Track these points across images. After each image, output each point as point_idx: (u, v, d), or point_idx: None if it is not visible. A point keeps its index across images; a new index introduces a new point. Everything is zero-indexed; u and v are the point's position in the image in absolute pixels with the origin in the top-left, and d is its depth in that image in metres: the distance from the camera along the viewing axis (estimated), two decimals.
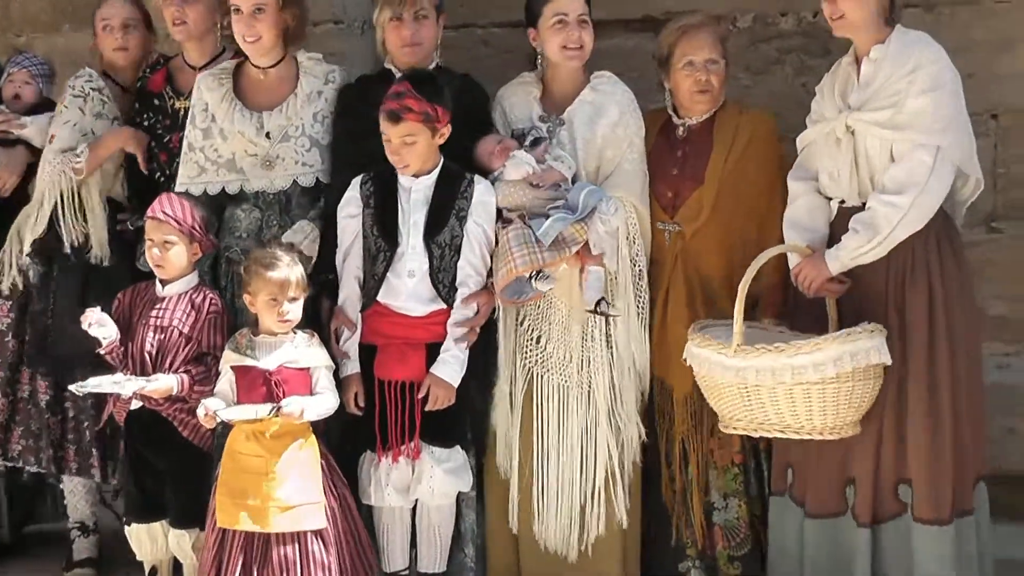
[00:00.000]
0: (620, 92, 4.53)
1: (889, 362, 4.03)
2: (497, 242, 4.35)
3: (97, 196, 4.82)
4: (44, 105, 4.94)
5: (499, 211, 4.37)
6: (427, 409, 4.29)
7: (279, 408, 4.11)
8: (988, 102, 5.04)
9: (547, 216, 4.25)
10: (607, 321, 4.39)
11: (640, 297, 4.49)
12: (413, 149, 4.27)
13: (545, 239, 4.21)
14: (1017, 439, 5.07)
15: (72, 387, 4.25)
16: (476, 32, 5.42)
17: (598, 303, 4.32)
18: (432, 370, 4.31)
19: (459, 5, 5.16)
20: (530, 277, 4.28)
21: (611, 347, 4.44)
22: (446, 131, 4.32)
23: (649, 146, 4.56)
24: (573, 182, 4.38)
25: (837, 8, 4.13)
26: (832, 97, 4.26)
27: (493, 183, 4.39)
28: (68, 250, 4.79)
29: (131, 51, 5.00)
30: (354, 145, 4.50)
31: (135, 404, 4.34)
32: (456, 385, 4.32)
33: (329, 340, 4.37)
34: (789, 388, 3.98)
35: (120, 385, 4.21)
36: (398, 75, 4.50)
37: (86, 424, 4.79)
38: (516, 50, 5.26)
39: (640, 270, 4.48)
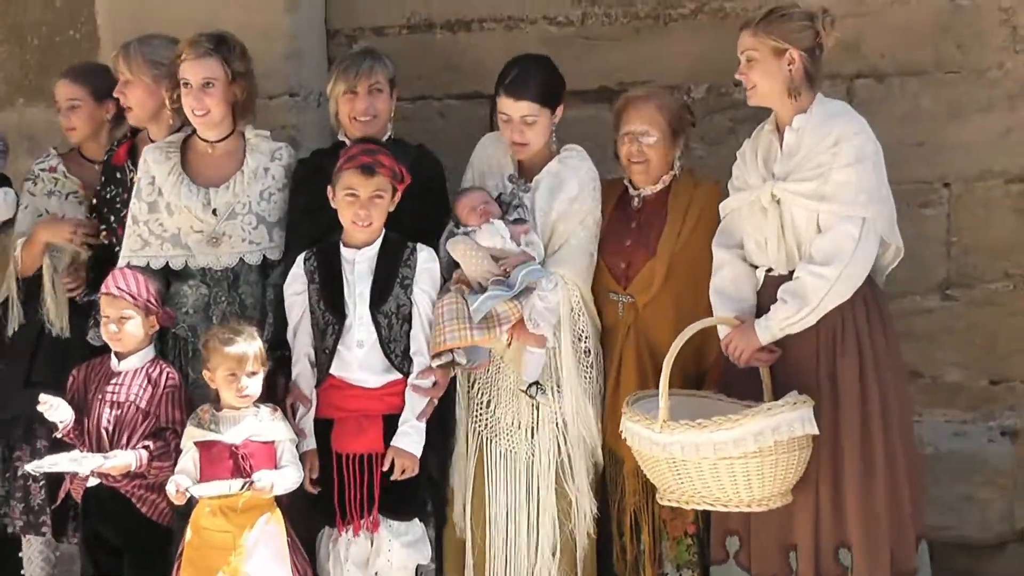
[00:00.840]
0: (585, 169, 4.55)
1: (816, 432, 4.05)
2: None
3: (50, 276, 4.83)
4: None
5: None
6: (392, 479, 4.27)
7: (251, 483, 4.08)
8: (939, 171, 5.09)
9: (484, 289, 4.27)
10: (552, 395, 4.40)
11: (587, 372, 4.48)
12: (379, 205, 4.29)
13: (476, 315, 4.23)
14: (975, 506, 5.06)
15: (28, 467, 4.21)
16: (433, 104, 5.43)
17: (531, 385, 4.36)
18: (394, 442, 4.30)
19: (416, 77, 5.19)
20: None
21: (558, 419, 4.44)
22: (397, 198, 4.33)
23: (606, 215, 4.58)
24: None
25: (748, 79, 4.21)
26: (755, 164, 4.30)
27: (452, 235, 4.40)
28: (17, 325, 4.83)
29: (79, 129, 5.02)
30: (310, 220, 4.50)
31: (92, 481, 4.28)
32: (419, 455, 4.30)
33: (286, 416, 4.34)
34: (713, 463, 4.00)
35: (77, 463, 4.17)
36: None
37: (41, 483, 4.72)
38: (473, 121, 5.31)
39: (587, 347, 4.48)
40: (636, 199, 4.59)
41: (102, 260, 4.76)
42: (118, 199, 4.82)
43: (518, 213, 4.47)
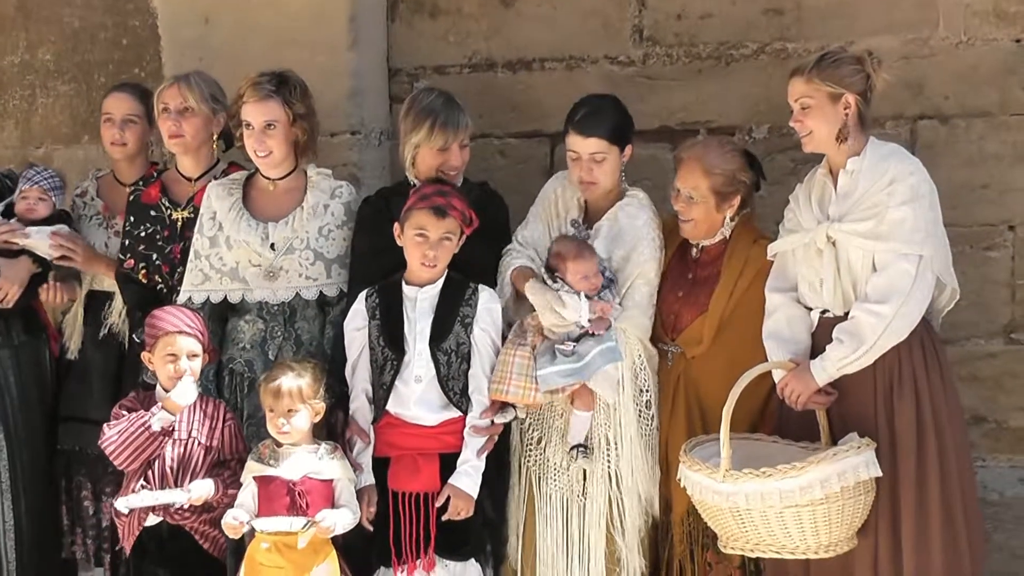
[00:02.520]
0: (643, 220, 4.49)
1: (879, 474, 4.01)
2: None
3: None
4: (55, 216, 4.96)
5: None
6: (444, 519, 4.25)
7: (313, 522, 4.07)
8: (1004, 213, 5.03)
9: (557, 345, 4.27)
10: (618, 452, 4.38)
11: (648, 426, 4.44)
12: (447, 247, 4.31)
13: (543, 384, 4.23)
14: None
15: (118, 504, 4.21)
16: (493, 142, 5.45)
17: (574, 447, 4.36)
18: (451, 481, 4.28)
19: (477, 116, 5.20)
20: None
21: (611, 472, 4.40)
22: (462, 240, 4.34)
23: (667, 257, 4.55)
24: None
25: (804, 126, 4.18)
26: (809, 207, 4.27)
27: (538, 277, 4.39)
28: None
29: (129, 146, 5.06)
30: (375, 262, 4.51)
31: (151, 520, 4.28)
32: (475, 496, 4.29)
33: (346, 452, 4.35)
34: (779, 511, 3.96)
35: (169, 496, 4.19)
36: None
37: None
38: (532, 160, 5.33)
39: (648, 400, 4.44)
40: (695, 249, 4.55)
41: (144, 298, 4.77)
42: (158, 237, 4.82)
43: (608, 276, 4.40)
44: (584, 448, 4.37)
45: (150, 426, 4.21)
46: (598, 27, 5.38)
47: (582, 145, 4.45)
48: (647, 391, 4.43)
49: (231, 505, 4.20)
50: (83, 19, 6.07)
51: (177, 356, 4.30)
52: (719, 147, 4.52)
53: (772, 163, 5.05)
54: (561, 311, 4.27)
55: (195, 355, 4.31)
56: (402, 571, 4.27)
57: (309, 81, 4.66)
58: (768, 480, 3.93)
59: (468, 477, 4.29)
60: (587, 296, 4.28)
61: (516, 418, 4.39)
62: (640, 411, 4.42)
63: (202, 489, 4.21)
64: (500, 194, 4.73)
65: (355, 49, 5.31)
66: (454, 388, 4.33)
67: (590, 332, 4.27)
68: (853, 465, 3.95)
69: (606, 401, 4.35)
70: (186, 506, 4.20)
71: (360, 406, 4.38)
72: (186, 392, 4.24)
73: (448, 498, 4.26)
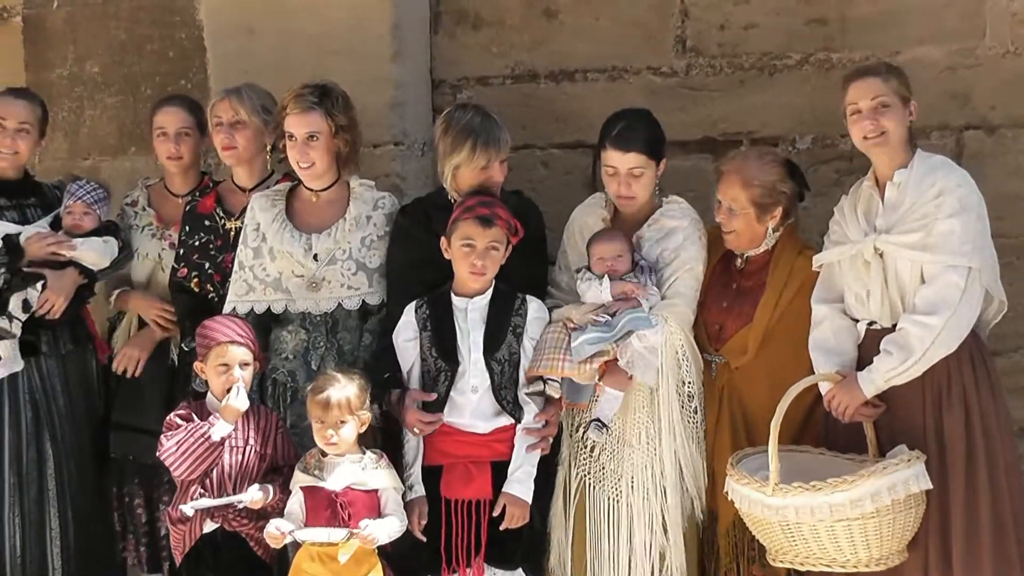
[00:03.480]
0: (688, 221, 4.51)
1: (930, 487, 3.98)
2: None
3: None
4: (102, 228, 5.01)
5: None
6: (503, 528, 4.27)
7: (352, 533, 4.08)
8: None
9: (592, 316, 4.29)
10: (659, 442, 4.36)
11: (691, 417, 4.43)
12: (494, 257, 4.32)
13: (576, 354, 4.24)
14: None
15: (184, 507, 4.24)
16: (536, 153, 5.45)
17: (592, 421, 4.35)
18: (506, 489, 4.30)
19: (520, 127, 5.21)
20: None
21: (655, 466, 4.39)
22: (508, 252, 4.35)
23: (710, 267, 4.54)
24: None
25: (880, 126, 4.15)
26: (855, 219, 4.25)
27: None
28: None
29: (184, 159, 5.11)
30: (414, 273, 4.52)
31: (208, 527, 4.30)
32: (530, 503, 4.30)
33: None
34: (830, 525, 3.94)
35: (233, 500, 4.22)
36: (457, 199, 4.51)
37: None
38: (575, 171, 5.32)
39: (690, 392, 4.42)
40: (739, 259, 4.54)
41: (195, 307, 4.80)
42: (211, 246, 4.87)
43: (643, 263, 4.43)
44: (600, 423, 4.35)
45: (210, 436, 4.24)
46: (641, 38, 5.37)
47: (620, 160, 4.44)
48: (690, 383, 4.41)
49: (282, 512, 4.22)
50: (129, 32, 6.12)
51: (229, 366, 4.33)
52: (758, 159, 4.50)
53: (816, 174, 5.02)
54: (584, 294, 4.33)
55: (247, 364, 4.34)
56: None
57: (352, 92, 4.67)
58: (818, 494, 3.91)
59: (521, 484, 4.31)
60: (609, 277, 4.32)
61: (551, 397, 4.36)
62: (683, 403, 4.40)
63: (259, 493, 4.23)
64: (534, 202, 4.72)
65: (398, 60, 5.32)
66: (507, 397, 4.35)
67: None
68: (904, 478, 3.92)
69: (646, 390, 4.34)
70: (247, 504, 4.22)
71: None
72: (241, 401, 4.27)
73: (504, 506, 4.27)
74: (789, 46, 5.21)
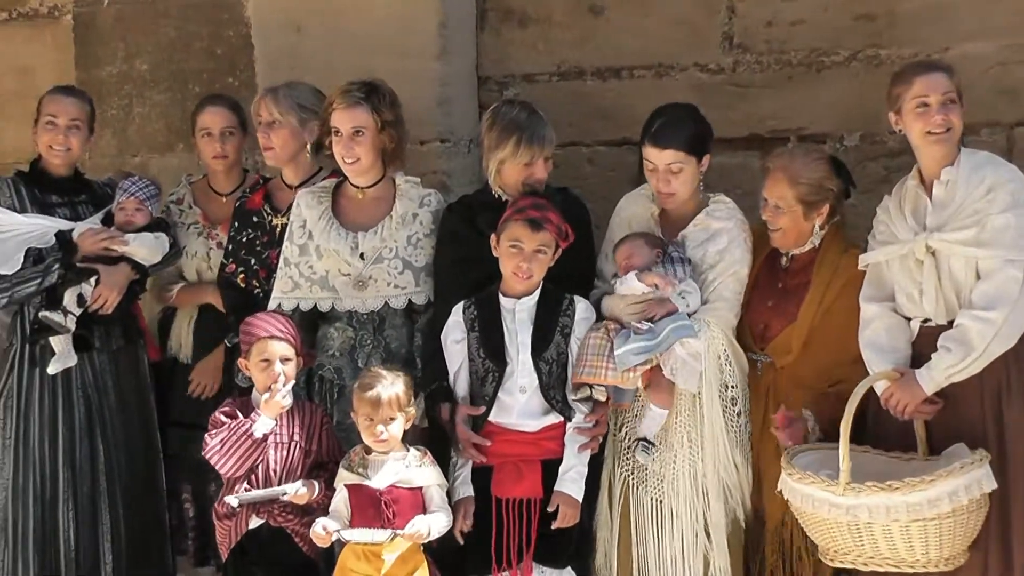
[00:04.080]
0: (734, 223, 4.49)
1: (995, 487, 3.95)
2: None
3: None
4: (154, 224, 5.06)
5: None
6: (555, 527, 4.26)
7: (397, 534, 4.09)
8: None
9: (633, 323, 4.28)
10: (701, 446, 4.36)
11: (734, 422, 4.40)
12: (541, 260, 4.32)
13: (619, 363, 4.23)
14: None
15: (230, 499, 4.27)
16: (582, 150, 5.45)
17: (639, 440, 4.35)
18: (559, 488, 4.30)
19: (566, 124, 5.21)
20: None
21: (697, 471, 4.37)
22: (558, 255, 4.35)
23: (755, 267, 4.51)
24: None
25: (948, 121, 4.12)
26: (902, 218, 4.22)
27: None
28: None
29: (229, 158, 5.17)
30: (461, 272, 4.52)
31: (254, 522, 4.34)
32: (581, 501, 4.31)
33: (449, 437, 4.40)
34: (904, 525, 3.91)
35: (278, 492, 4.25)
36: (503, 197, 4.53)
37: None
38: (620, 168, 5.31)
39: (733, 396, 4.40)
40: (784, 258, 4.51)
41: (241, 303, 4.83)
42: (258, 242, 4.91)
43: (676, 253, 4.43)
44: (647, 443, 4.35)
45: (252, 433, 4.27)
46: (687, 34, 5.36)
47: (658, 157, 4.43)
48: (733, 387, 4.39)
49: (327, 508, 4.24)
50: (178, 29, 6.15)
51: (271, 361, 4.35)
52: (805, 156, 4.48)
53: (863, 171, 4.99)
54: (618, 290, 4.35)
55: (288, 359, 4.36)
56: None
57: (398, 89, 4.68)
58: (895, 493, 3.88)
59: (574, 483, 4.31)
60: (638, 270, 4.33)
61: (597, 401, 4.35)
62: (725, 407, 4.38)
63: (304, 487, 4.26)
64: (581, 199, 4.72)
65: (444, 57, 5.34)
66: (556, 396, 4.34)
67: (656, 316, 4.28)
68: (977, 478, 3.90)
69: (688, 394, 4.33)
70: (291, 498, 4.24)
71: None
72: (282, 397, 4.29)
73: (557, 505, 4.27)
74: (837, 42, 5.18)
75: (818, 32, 5.20)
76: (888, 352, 4.18)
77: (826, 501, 3.98)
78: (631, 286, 4.37)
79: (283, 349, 4.36)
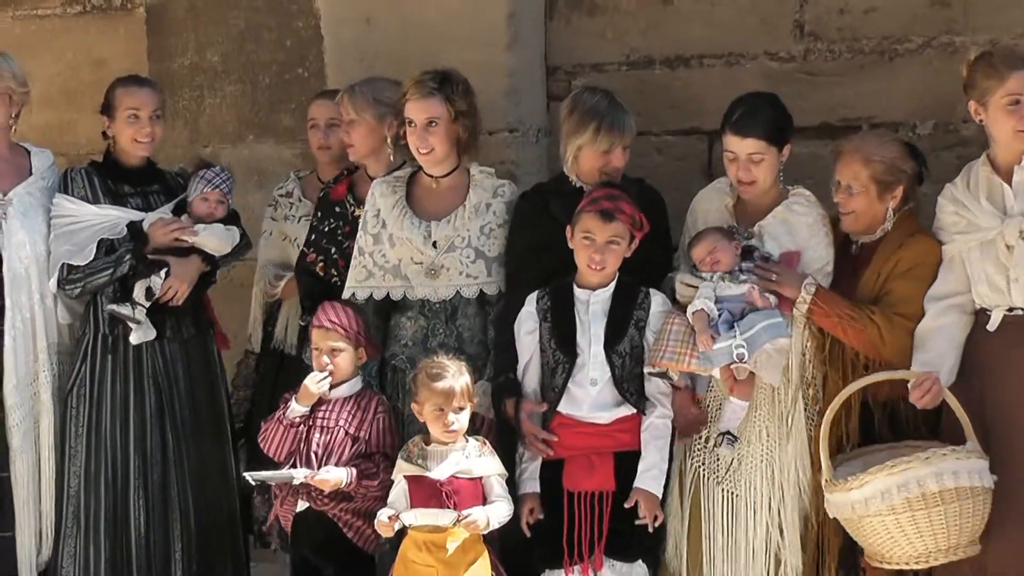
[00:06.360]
0: (814, 216, 4.43)
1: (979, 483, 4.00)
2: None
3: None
4: (229, 216, 5.09)
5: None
6: (638, 523, 4.26)
7: (462, 516, 4.09)
8: None
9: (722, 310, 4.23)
10: (778, 441, 4.32)
11: (815, 419, 4.34)
12: (615, 251, 4.29)
13: (705, 361, 4.19)
14: None
15: (246, 475, 4.36)
16: (651, 140, 5.42)
17: (722, 434, 4.31)
18: (639, 484, 4.28)
19: (635, 113, 5.16)
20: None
21: (776, 465, 4.34)
22: (635, 245, 4.33)
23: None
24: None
25: None
26: (980, 206, 4.19)
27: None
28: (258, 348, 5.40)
29: (333, 149, 5.24)
30: (535, 259, 4.52)
31: (301, 505, 4.39)
32: (661, 498, 4.29)
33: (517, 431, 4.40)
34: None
35: (292, 474, 4.30)
36: (577, 184, 4.54)
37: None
38: (689, 157, 5.29)
39: (816, 392, 4.36)
40: (855, 245, 4.48)
41: (319, 291, 4.86)
42: (339, 232, 4.94)
43: (760, 253, 4.37)
44: (731, 437, 4.31)
45: (283, 418, 4.37)
46: (758, 23, 5.32)
47: (739, 146, 4.39)
48: (816, 385, 4.35)
49: (370, 498, 4.26)
50: (249, 20, 6.19)
51: (321, 350, 4.41)
52: (878, 137, 4.49)
53: (937, 160, 4.92)
54: (718, 291, 4.27)
55: (339, 350, 4.41)
56: (572, 572, 4.26)
57: (467, 79, 4.67)
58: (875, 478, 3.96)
59: (655, 480, 4.29)
60: (723, 274, 4.26)
61: (670, 380, 4.33)
62: (807, 403, 4.34)
63: (328, 474, 4.28)
64: (658, 191, 4.70)
65: (513, 47, 5.34)
66: (630, 388, 4.32)
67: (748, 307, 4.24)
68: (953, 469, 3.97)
69: (769, 388, 4.29)
70: (301, 481, 4.29)
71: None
72: (317, 383, 4.37)
73: (635, 501, 4.26)
74: (910, 29, 5.12)
75: (891, 19, 5.14)
76: (940, 358, 4.17)
77: (833, 502, 4.06)
78: (703, 299, 4.26)
79: (333, 339, 4.41)
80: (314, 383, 4.38)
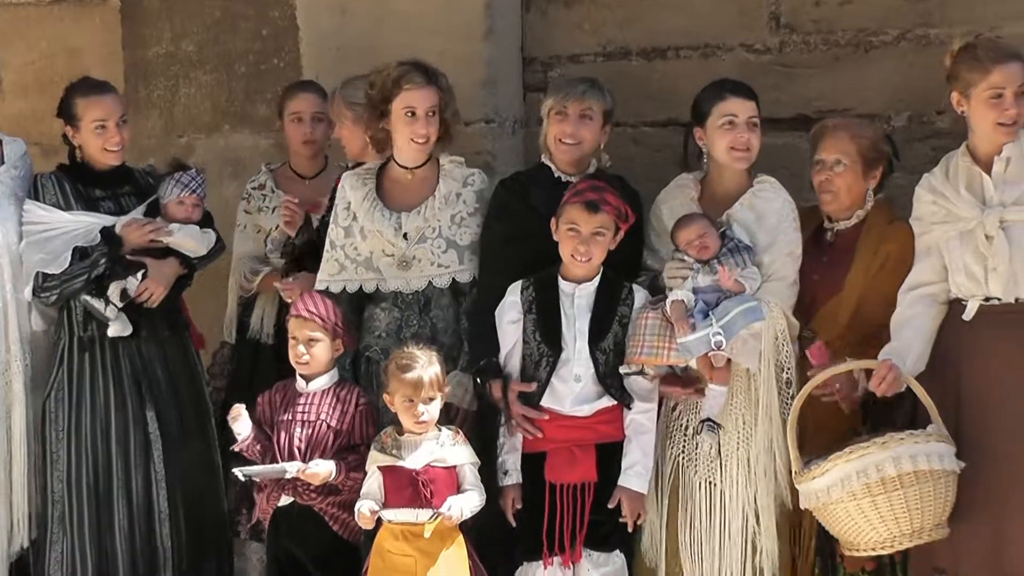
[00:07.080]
0: (780, 201, 4.45)
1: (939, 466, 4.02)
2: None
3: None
4: (203, 219, 5.08)
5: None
6: (621, 520, 4.28)
7: (439, 514, 4.10)
8: None
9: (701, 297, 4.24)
10: (755, 427, 4.33)
11: (787, 406, 4.34)
12: (600, 243, 4.29)
13: (684, 352, 4.19)
14: None
15: (236, 471, 4.33)
16: (627, 131, 5.42)
17: (704, 421, 4.31)
18: (623, 483, 4.29)
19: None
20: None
21: (751, 452, 4.34)
22: (620, 237, 4.33)
23: (803, 242, 4.47)
24: None
25: (1021, 114, 4.11)
26: (959, 196, 4.20)
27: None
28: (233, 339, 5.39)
29: (318, 143, 5.26)
30: (510, 248, 4.52)
31: (284, 500, 4.38)
32: (646, 494, 4.30)
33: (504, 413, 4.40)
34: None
35: (282, 468, 4.28)
36: (556, 173, 4.55)
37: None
38: (666, 149, 5.29)
39: (788, 378, 4.36)
40: (830, 233, 4.50)
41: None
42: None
43: (737, 243, 4.37)
44: (713, 424, 4.32)
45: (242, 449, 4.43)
46: (734, 14, 5.33)
47: (742, 107, 4.40)
48: (789, 369, 4.36)
49: (356, 489, 4.25)
50: (224, 9, 6.18)
51: (297, 339, 4.42)
52: (855, 119, 4.59)
53: (911, 152, 4.95)
54: (698, 281, 4.28)
55: (315, 340, 4.40)
56: (552, 564, 4.27)
57: (444, 70, 4.67)
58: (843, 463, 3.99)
59: (639, 478, 4.30)
60: (702, 260, 4.28)
61: (647, 375, 4.32)
62: (780, 388, 4.35)
63: (318, 467, 4.27)
64: (635, 190, 4.66)
65: (490, 38, 5.34)
66: (614, 384, 4.32)
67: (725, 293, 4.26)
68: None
69: (744, 376, 4.30)
70: (294, 475, 4.27)
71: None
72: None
73: (615, 496, 4.27)
74: (886, 22, 5.13)
75: (866, 12, 5.15)
76: (907, 347, 4.19)
77: (802, 492, 4.08)
78: (681, 296, 4.27)
79: (311, 329, 4.40)
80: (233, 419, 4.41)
